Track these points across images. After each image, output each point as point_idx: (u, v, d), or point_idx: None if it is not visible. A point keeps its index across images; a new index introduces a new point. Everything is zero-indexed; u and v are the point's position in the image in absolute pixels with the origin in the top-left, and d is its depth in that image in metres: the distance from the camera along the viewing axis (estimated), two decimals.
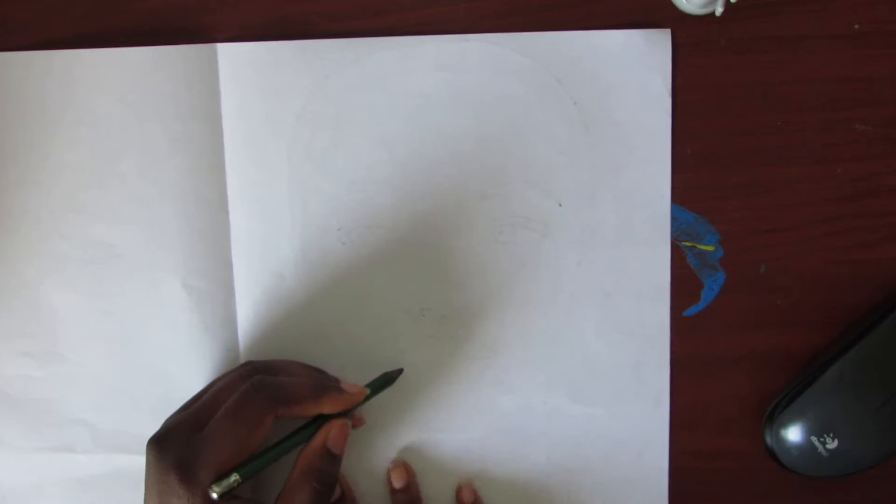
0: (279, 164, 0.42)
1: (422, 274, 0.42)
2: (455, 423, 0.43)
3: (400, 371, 0.42)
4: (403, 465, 0.43)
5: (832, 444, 0.41)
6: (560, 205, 0.42)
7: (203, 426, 0.36)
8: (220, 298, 0.42)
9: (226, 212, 0.42)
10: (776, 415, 0.42)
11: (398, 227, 0.42)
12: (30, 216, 0.42)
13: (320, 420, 0.38)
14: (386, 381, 0.41)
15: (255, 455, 0.36)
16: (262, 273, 0.42)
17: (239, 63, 0.41)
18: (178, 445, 0.35)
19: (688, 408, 0.43)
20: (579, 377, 0.43)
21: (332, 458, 0.37)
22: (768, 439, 0.42)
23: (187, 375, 0.43)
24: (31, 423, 0.43)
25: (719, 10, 0.40)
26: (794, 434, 0.41)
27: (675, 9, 0.41)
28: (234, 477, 0.35)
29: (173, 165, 0.42)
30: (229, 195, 0.42)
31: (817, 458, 0.41)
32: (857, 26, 0.42)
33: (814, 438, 0.41)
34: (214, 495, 0.34)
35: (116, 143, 0.42)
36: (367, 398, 0.40)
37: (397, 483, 0.42)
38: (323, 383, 0.38)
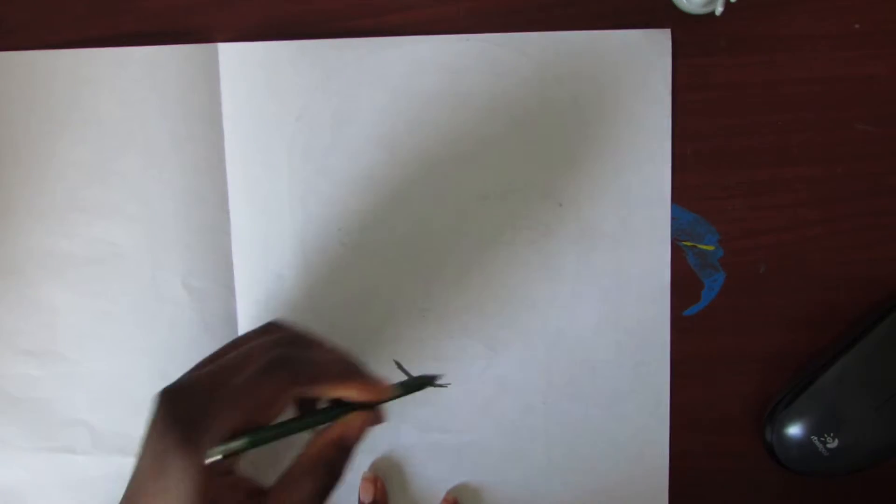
0: (279, 164, 0.42)
1: (422, 274, 0.42)
2: (455, 423, 0.43)
3: (437, 378, 0.38)
4: (374, 479, 0.42)
5: (833, 444, 0.41)
6: (560, 205, 0.42)
7: (221, 388, 0.33)
8: (221, 298, 0.42)
9: (226, 211, 0.42)
10: (777, 414, 0.42)
11: (398, 227, 0.42)
12: (32, 215, 0.42)
13: (343, 408, 0.35)
14: (421, 383, 0.37)
15: (267, 426, 0.34)
16: (262, 273, 0.42)
17: (239, 63, 0.41)
18: (189, 403, 0.32)
19: (688, 408, 0.43)
20: (579, 377, 0.43)
21: (346, 451, 0.35)
22: (769, 439, 0.42)
23: None
24: (31, 423, 0.43)
25: (719, 10, 0.40)
26: (794, 433, 0.41)
27: (675, 9, 0.41)
28: (244, 440, 0.32)
29: (174, 165, 0.42)
30: (230, 195, 0.42)
31: (818, 458, 0.41)
32: (857, 26, 0.42)
33: (814, 438, 0.41)
34: (218, 456, 0.31)
35: (118, 142, 0.42)
36: (397, 396, 0.36)
37: (366, 497, 0.42)
38: (352, 367, 0.35)
